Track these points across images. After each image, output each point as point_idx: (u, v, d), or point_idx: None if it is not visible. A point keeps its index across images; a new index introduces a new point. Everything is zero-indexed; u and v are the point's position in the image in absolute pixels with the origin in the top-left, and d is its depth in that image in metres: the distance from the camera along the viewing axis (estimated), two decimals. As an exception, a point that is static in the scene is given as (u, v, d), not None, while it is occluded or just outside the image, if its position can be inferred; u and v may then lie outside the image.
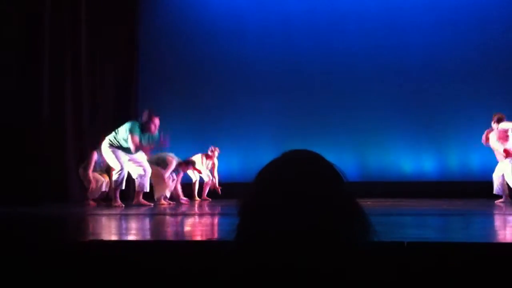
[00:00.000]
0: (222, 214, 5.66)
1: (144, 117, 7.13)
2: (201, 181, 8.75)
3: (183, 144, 9.58)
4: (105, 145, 7.08)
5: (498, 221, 4.62)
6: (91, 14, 8.69)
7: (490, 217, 4.94)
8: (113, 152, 7.03)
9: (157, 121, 7.15)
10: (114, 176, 7.09)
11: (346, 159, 9.27)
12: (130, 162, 7.09)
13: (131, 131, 6.91)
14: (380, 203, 6.98)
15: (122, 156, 7.03)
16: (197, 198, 8.52)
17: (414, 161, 9.02)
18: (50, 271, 2.24)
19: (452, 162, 8.94)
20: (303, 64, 9.66)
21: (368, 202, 6.72)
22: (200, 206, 7.40)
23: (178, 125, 9.83)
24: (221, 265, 1.00)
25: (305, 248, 0.92)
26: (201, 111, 9.74)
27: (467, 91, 9.05)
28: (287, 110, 9.59)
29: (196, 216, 5.51)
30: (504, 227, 3.99)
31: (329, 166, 0.99)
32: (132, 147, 6.92)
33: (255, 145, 8.75)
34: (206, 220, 5.14)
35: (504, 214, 5.23)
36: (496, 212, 5.61)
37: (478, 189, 7.97)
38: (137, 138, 6.94)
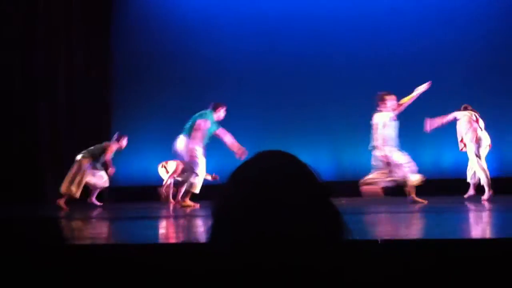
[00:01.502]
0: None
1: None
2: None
3: (157, 146, 9.54)
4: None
5: (472, 217, 4.71)
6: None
7: (463, 214, 5.02)
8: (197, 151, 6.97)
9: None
10: (192, 178, 7.02)
11: (322, 159, 9.32)
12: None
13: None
14: (355, 202, 7.04)
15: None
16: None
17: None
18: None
19: (426, 160, 9.03)
20: (279, 64, 9.67)
21: (343, 201, 6.77)
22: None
23: (153, 126, 9.78)
24: (195, 266, 0.99)
25: (279, 249, 0.91)
26: (175, 111, 9.69)
27: (441, 89, 9.15)
28: (263, 110, 9.59)
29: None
30: (477, 223, 4.06)
31: (303, 166, 0.99)
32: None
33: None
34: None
35: (476, 211, 5.33)
36: (470, 208, 5.71)
37: (451, 186, 8.09)
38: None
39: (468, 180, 7.42)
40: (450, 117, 7.26)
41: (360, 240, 2.44)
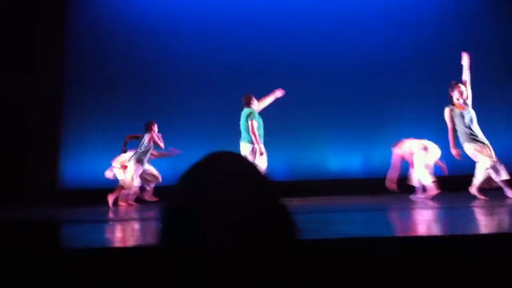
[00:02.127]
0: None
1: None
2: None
3: (113, 146, 9.36)
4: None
5: (418, 215, 4.84)
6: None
7: (411, 211, 5.16)
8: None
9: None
10: None
11: (275, 158, 9.38)
12: None
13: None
14: (307, 201, 7.12)
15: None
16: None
17: (340, 159, 9.27)
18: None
19: (377, 160, 9.24)
20: (237, 64, 9.70)
21: (295, 201, 6.84)
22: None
23: (109, 125, 9.61)
24: (147, 268, 0.97)
25: (229, 248, 0.91)
26: (134, 112, 9.55)
27: (394, 89, 9.38)
28: (221, 110, 9.58)
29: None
30: (425, 221, 4.18)
31: (253, 167, 0.99)
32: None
33: (190, 144, 8.64)
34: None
35: (424, 208, 5.48)
36: (416, 206, 5.87)
37: (400, 186, 8.29)
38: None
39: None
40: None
41: (310, 239, 2.47)
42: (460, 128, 6.46)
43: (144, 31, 9.84)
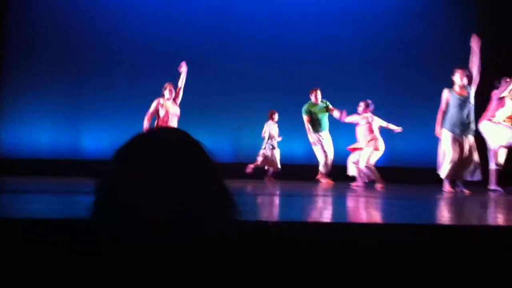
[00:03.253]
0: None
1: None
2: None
3: (51, 116, 9.09)
4: None
5: (353, 202, 4.95)
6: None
7: (346, 199, 5.28)
8: None
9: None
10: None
11: (221, 140, 9.36)
12: None
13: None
14: (251, 184, 7.16)
15: None
16: None
17: (285, 144, 9.35)
18: None
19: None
20: (182, 45, 9.54)
21: (239, 183, 6.87)
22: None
23: (47, 96, 9.30)
24: (77, 243, 0.93)
25: (169, 227, 0.89)
26: (71, 93, 9.31)
27: (335, 79, 9.50)
28: (153, 90, 9.45)
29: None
30: (362, 208, 4.28)
31: (196, 145, 0.96)
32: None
33: (129, 123, 8.47)
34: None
35: (359, 196, 5.62)
36: (351, 194, 6.01)
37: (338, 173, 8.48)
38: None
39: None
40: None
41: (251, 220, 2.47)
42: (450, 111, 6.55)
43: (87, 9, 9.54)
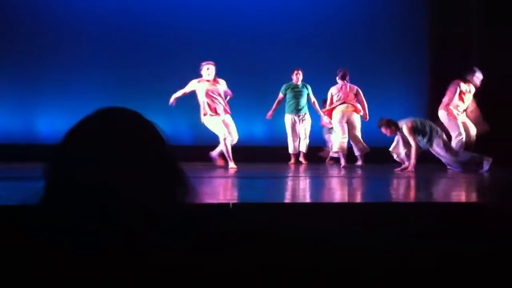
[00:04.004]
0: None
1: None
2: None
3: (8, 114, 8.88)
4: None
5: (315, 182, 5.01)
6: None
7: (306, 179, 5.33)
8: None
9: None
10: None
11: (179, 123, 9.27)
12: None
13: None
14: (211, 166, 7.14)
15: None
16: None
17: (245, 126, 9.33)
18: None
19: (281, 128, 9.38)
20: (134, 23, 9.36)
21: (199, 166, 6.84)
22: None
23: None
24: (30, 229, 0.90)
25: (122, 209, 0.86)
26: (23, 76, 9.03)
27: (293, 59, 9.46)
28: (120, 69, 9.25)
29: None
30: (325, 189, 4.34)
31: (149, 126, 0.94)
32: None
33: (82, 103, 8.27)
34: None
35: (324, 177, 5.69)
36: (312, 175, 6.08)
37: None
38: None
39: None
40: None
41: (211, 203, 2.47)
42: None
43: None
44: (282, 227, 2.43)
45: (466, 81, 6.86)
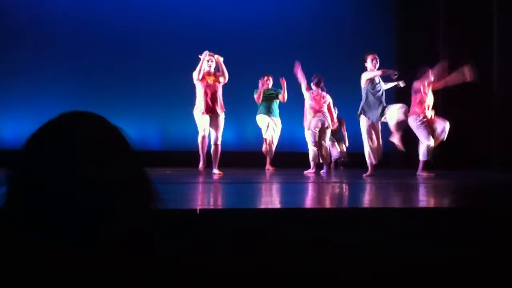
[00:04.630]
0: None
1: None
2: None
3: None
4: None
5: (283, 188, 5.04)
6: None
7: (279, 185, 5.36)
8: None
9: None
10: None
11: (148, 128, 9.20)
12: None
13: None
14: (180, 172, 7.10)
15: None
16: None
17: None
18: None
19: (250, 133, 9.38)
20: (108, 29, 9.25)
21: (168, 171, 6.79)
22: None
23: None
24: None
25: (85, 216, 0.86)
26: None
27: (264, 63, 9.46)
28: (87, 74, 9.12)
29: None
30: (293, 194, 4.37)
31: (113, 130, 0.93)
32: None
33: (47, 108, 8.13)
34: None
35: (292, 183, 5.73)
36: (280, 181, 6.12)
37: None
38: None
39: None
40: None
41: (178, 209, 2.46)
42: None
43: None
44: (251, 232, 2.44)
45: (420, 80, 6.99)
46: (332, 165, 8.88)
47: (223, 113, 6.91)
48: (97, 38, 9.21)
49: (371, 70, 6.76)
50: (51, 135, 0.87)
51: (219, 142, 6.88)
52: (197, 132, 6.95)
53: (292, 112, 8.53)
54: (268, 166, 8.20)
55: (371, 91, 6.75)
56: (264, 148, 8.25)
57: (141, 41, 9.35)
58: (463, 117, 7.96)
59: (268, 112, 8.20)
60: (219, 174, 6.61)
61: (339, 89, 8.91)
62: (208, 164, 6.83)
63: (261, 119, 8.25)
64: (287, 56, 9.57)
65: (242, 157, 8.78)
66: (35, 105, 8.58)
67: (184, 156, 8.70)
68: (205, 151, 6.83)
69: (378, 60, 6.80)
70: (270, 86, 8.33)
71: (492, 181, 6.09)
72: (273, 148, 8.28)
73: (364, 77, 6.78)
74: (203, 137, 6.81)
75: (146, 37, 9.37)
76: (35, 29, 9.03)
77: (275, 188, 5.02)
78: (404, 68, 7.34)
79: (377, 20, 10.02)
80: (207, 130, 6.82)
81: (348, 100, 9.16)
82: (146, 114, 9.25)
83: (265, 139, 8.23)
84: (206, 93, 6.78)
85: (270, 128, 8.20)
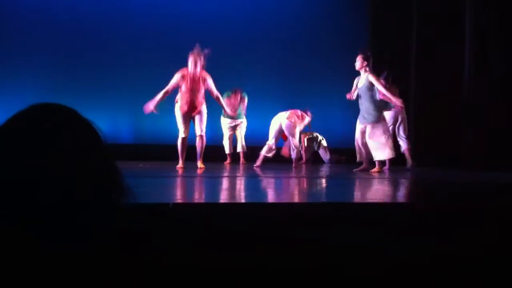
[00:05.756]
0: None
1: None
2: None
3: None
4: None
5: (252, 183, 5.05)
6: None
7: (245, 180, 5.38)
8: None
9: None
10: None
11: (121, 121, 9.10)
12: None
13: None
14: (153, 165, 7.05)
15: None
16: None
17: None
18: None
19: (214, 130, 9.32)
20: (79, 20, 9.09)
21: (140, 165, 6.72)
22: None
23: None
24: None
25: (53, 209, 0.84)
26: None
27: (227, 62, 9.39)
28: (58, 66, 8.95)
29: None
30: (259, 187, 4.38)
31: (84, 123, 0.91)
32: None
33: (18, 99, 7.96)
34: None
35: (263, 177, 5.74)
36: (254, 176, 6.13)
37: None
38: None
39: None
40: None
41: (150, 203, 2.44)
42: None
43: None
44: (226, 227, 2.44)
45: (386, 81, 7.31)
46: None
47: (204, 104, 6.64)
48: (68, 29, 9.04)
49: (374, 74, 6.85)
50: (17, 127, 0.85)
51: (203, 133, 6.64)
52: (171, 126, 6.89)
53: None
54: (242, 160, 8.45)
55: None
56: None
57: (113, 32, 9.21)
58: (435, 115, 8.12)
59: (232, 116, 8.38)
60: (201, 168, 6.50)
61: (314, 87, 8.96)
62: (188, 158, 6.68)
63: (223, 122, 8.65)
64: (268, 53, 9.60)
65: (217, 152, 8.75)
66: (3, 96, 8.39)
67: (158, 150, 8.64)
68: (184, 153, 6.62)
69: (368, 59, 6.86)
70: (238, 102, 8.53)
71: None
72: (242, 144, 8.59)
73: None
74: (183, 139, 6.56)
75: (118, 28, 9.22)
76: (2, 19, 8.82)
77: (252, 183, 5.02)
78: (378, 68, 7.38)
79: (351, 17, 10.08)
80: (188, 131, 6.59)
81: (321, 98, 9.22)
82: (118, 107, 9.12)
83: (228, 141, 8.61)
84: (187, 88, 6.49)
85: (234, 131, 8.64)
